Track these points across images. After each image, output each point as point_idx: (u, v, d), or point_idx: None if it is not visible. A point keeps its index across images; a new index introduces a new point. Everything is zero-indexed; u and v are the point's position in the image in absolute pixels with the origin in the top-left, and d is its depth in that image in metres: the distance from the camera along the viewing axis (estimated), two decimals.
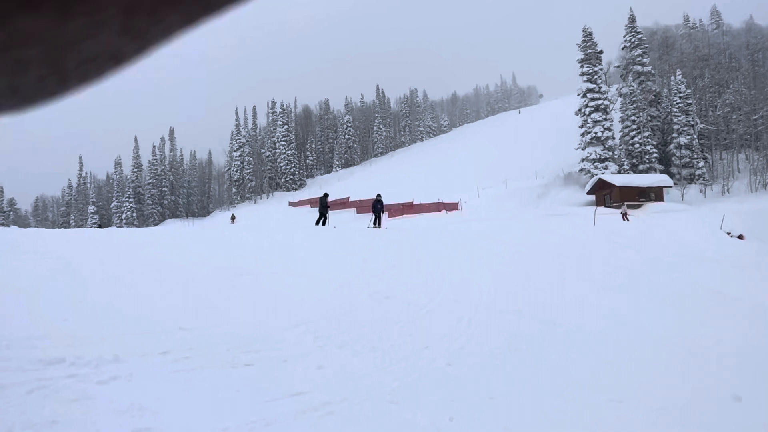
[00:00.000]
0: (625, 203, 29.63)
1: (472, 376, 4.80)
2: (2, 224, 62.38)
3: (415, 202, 37.98)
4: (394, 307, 6.92)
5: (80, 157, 78.42)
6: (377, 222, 19.19)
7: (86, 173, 79.01)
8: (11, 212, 68.99)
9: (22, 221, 71.33)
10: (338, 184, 66.06)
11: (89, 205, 72.34)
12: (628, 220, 25.70)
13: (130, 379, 3.78)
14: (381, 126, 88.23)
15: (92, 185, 78.29)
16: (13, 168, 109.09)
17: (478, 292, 7.98)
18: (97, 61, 0.30)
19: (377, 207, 19.46)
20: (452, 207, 35.89)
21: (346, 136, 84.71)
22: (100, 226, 56.70)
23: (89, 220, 69.05)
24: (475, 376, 4.80)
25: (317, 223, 18.52)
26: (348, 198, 47.22)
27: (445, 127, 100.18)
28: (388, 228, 18.21)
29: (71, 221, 74.22)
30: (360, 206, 40.17)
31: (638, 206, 33.23)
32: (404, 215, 32.69)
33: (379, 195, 20.27)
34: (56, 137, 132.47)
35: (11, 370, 3.68)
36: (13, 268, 7.58)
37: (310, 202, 52.62)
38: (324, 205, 18.85)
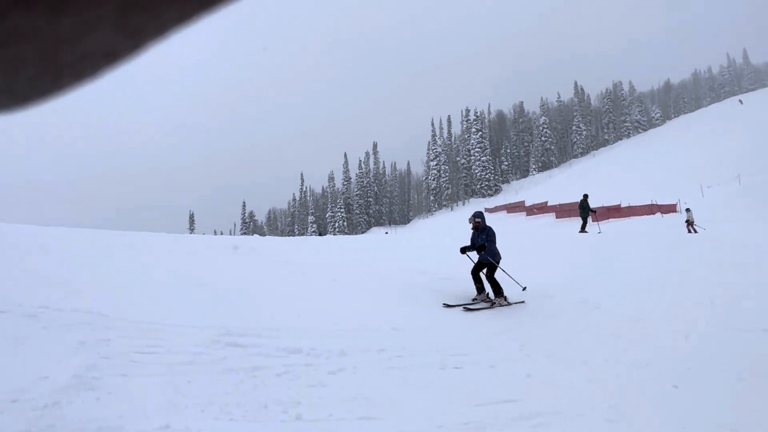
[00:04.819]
0: None
1: (703, 402, 4.17)
2: (245, 233, 74.65)
3: (622, 205, 34.81)
4: (602, 317, 6.49)
5: (302, 174, 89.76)
6: (582, 225, 18.00)
7: (306, 188, 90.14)
8: (251, 223, 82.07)
9: (259, 230, 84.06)
10: (535, 188, 63.85)
11: (309, 215, 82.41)
12: None
13: (354, 371, 4.21)
14: (581, 125, 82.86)
15: (311, 198, 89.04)
16: (254, 183, 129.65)
17: (709, 304, 6.96)
18: (92, 59, 0.29)
19: (585, 209, 18.08)
20: (669, 209, 31.93)
21: (543, 138, 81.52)
22: (319, 234, 64.02)
23: (309, 228, 78.52)
24: (707, 403, 4.16)
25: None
26: (546, 202, 45.38)
27: (657, 120, 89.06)
28: (601, 232, 17.04)
29: (295, 230, 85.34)
30: (559, 211, 38.24)
31: None
32: (610, 219, 30.20)
33: (585, 195, 18.67)
34: (283, 157, 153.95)
35: (263, 355, 4.40)
36: (257, 270, 9.12)
37: (507, 208, 51.87)
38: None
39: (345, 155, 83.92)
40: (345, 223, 76.72)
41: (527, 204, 48.89)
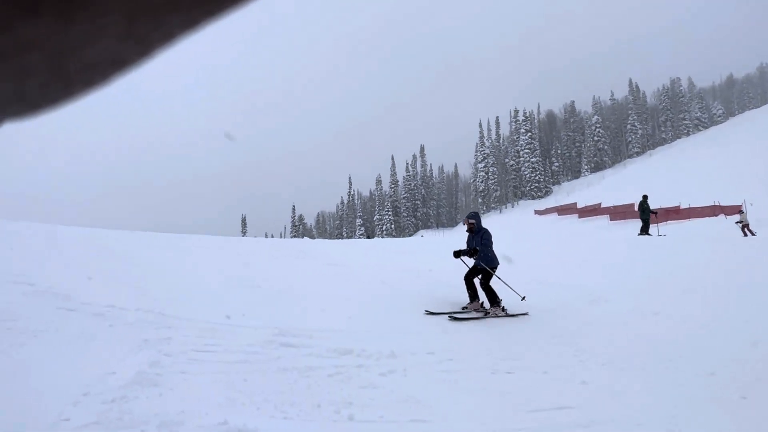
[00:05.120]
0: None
1: None
2: (295, 236, 76.22)
3: (682, 206, 33.34)
4: (660, 323, 6.19)
5: (349, 177, 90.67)
6: (644, 228, 17.30)
7: (354, 191, 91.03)
8: (300, 226, 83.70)
9: (308, 233, 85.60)
10: (587, 189, 61.98)
11: (356, 218, 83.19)
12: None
13: (405, 374, 4.23)
14: (636, 123, 79.72)
15: (359, 201, 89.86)
16: (300, 188, 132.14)
17: None
18: (101, 67, 0.30)
19: (645, 210, 17.39)
20: (733, 211, 30.30)
21: (595, 138, 79.02)
22: (367, 237, 64.59)
23: (357, 231, 79.27)
24: None
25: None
26: (599, 204, 44.00)
27: (719, 117, 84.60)
28: (664, 235, 16.44)
29: (343, 232, 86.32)
30: (613, 213, 37.03)
31: None
32: (669, 221, 28.99)
33: (645, 196, 17.87)
34: (330, 161, 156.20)
35: (315, 356, 4.49)
36: (307, 272, 9.38)
37: (558, 210, 50.67)
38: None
39: (392, 158, 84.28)
40: (392, 226, 76.98)
41: (579, 206, 47.56)
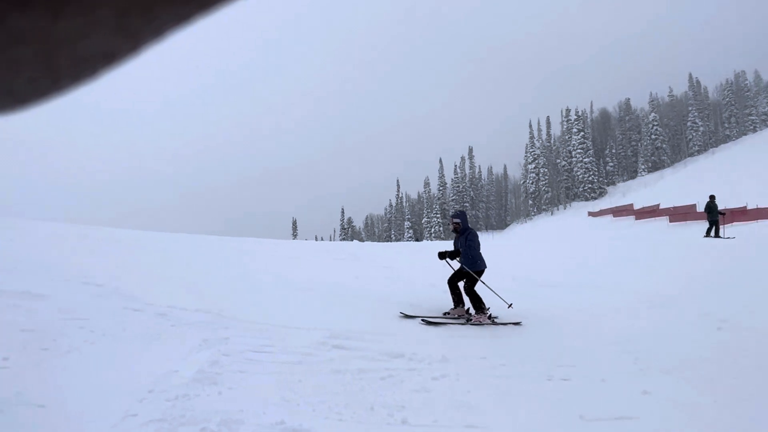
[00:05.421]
0: None
1: None
2: (344, 239, 77.12)
3: (748, 207, 31.47)
4: (730, 331, 5.83)
5: (397, 180, 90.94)
6: (715, 230, 16.52)
7: (402, 194, 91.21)
8: (349, 229, 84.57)
9: (357, 236, 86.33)
10: (644, 190, 59.51)
11: (405, 221, 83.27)
12: None
13: (457, 378, 4.18)
14: (696, 120, 75.93)
15: (407, 204, 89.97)
16: (351, 189, 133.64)
17: None
18: (91, 61, 0.30)
19: (713, 211, 16.60)
20: None
21: (652, 136, 75.78)
22: (416, 240, 64.60)
23: (405, 234, 79.38)
24: None
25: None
26: (658, 205, 42.17)
27: None
28: (734, 237, 15.64)
29: (392, 235, 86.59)
30: (674, 214, 35.37)
31: None
32: (735, 222, 27.43)
33: (712, 197, 17.09)
34: (377, 162, 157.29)
35: (367, 358, 4.53)
36: (357, 275, 9.50)
37: (613, 212, 48.97)
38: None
39: (440, 160, 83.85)
40: (441, 229, 76.59)
41: (636, 207, 45.77)
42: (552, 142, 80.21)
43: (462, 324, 6.36)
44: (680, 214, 33.66)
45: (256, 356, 4.25)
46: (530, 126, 76.59)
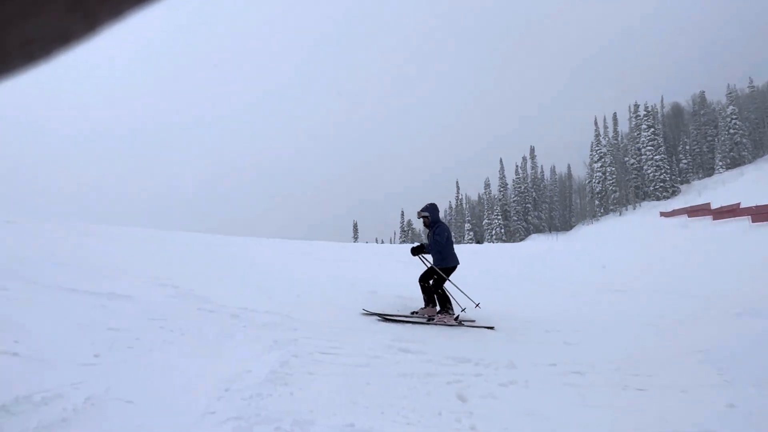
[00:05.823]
0: None
1: None
2: (404, 241, 77.43)
3: None
4: None
5: (457, 182, 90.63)
6: None
7: (462, 195, 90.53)
8: (409, 231, 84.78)
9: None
10: (722, 188, 55.91)
11: (465, 223, 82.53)
12: None
13: (526, 385, 4.09)
14: None
15: (467, 205, 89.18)
16: (409, 188, 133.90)
17: None
18: (42, 41, 0.28)
19: None
20: None
21: (731, 131, 70.97)
22: (477, 242, 63.95)
23: (465, 236, 78.63)
24: None
25: None
26: (738, 204, 39.56)
27: None
28: None
29: (453, 238, 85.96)
30: (756, 214, 33.05)
31: None
32: None
33: None
34: (436, 165, 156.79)
35: (433, 362, 4.55)
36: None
37: (687, 212, 46.42)
38: None
39: (500, 161, 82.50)
40: (502, 231, 75.30)
41: (713, 206, 43.17)
42: (619, 139, 76.96)
43: (423, 323, 6.23)
44: (764, 213, 31.38)
45: (324, 358, 4.35)
46: (596, 123, 73.88)
